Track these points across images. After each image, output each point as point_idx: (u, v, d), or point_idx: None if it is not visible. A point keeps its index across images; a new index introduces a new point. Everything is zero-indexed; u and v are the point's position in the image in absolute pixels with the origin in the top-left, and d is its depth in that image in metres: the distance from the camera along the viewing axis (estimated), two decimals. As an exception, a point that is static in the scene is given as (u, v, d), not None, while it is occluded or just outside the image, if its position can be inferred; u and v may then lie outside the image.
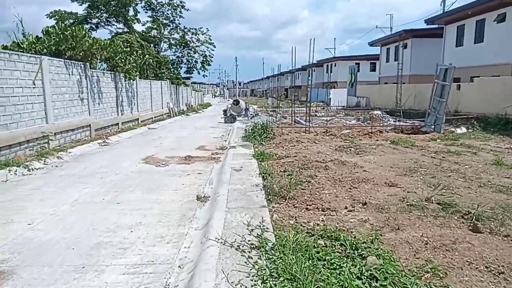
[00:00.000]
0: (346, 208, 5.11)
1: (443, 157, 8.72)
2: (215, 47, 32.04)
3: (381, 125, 16.92)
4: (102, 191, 6.84)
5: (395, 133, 13.56)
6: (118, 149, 12.19)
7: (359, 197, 5.60)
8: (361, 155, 9.28)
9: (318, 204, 5.36)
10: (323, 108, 32.52)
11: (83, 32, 13.10)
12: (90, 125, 14.18)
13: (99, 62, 17.41)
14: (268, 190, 5.95)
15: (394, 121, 18.06)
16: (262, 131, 13.48)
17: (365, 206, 5.13)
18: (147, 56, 18.01)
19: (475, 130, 13.80)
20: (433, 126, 13.43)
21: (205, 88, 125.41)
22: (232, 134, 15.67)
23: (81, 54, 13.77)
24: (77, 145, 12.30)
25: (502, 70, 16.54)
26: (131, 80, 18.38)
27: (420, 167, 7.65)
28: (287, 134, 13.47)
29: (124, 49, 16.67)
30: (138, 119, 19.96)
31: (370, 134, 13.06)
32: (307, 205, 5.35)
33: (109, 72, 16.44)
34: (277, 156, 9.37)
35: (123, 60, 16.83)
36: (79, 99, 13.45)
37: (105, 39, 16.55)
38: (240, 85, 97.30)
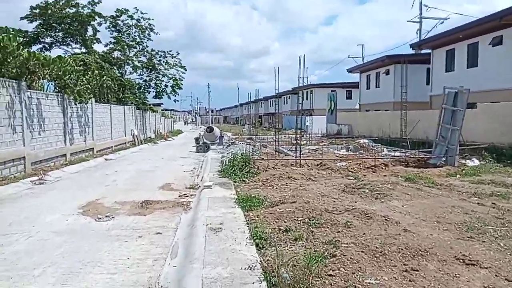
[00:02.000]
0: (439, 335, 2.62)
1: (493, 203, 6.51)
2: (186, 70, 29.72)
3: (378, 155, 14.87)
4: (-12, 276, 4.03)
5: (402, 166, 11.42)
6: (55, 190, 9.24)
7: (440, 297, 3.14)
8: (381, 199, 6.92)
9: (375, 319, 2.84)
10: (302, 136, 30.66)
11: (14, 44, 10.36)
12: (24, 157, 11.17)
13: (47, 82, 14.62)
14: (274, 281, 3.40)
15: (389, 151, 16.08)
16: (243, 164, 10.96)
17: (474, 330, 2.67)
18: (105, 77, 15.31)
19: (488, 162, 11.94)
20: (444, 158, 11.43)
21: (177, 115, 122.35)
22: (206, 166, 13.06)
23: (14, 71, 10.98)
24: (1, 184, 9.29)
25: (504, 95, 15.09)
26: (85, 104, 15.52)
27: (479, 222, 5.35)
28: (274, 168, 11.01)
29: (76, 67, 13.95)
30: (93, 148, 16.95)
31: (373, 168, 10.85)
32: (355, 321, 2.82)
33: (55, 94, 13.59)
34: (269, 201, 6.86)
35: (74, 80, 14.06)
36: (9, 126, 10.50)
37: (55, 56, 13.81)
38: (212, 112, 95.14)
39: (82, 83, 14.34)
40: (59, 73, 13.12)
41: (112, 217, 6.40)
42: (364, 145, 17.87)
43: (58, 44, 22.63)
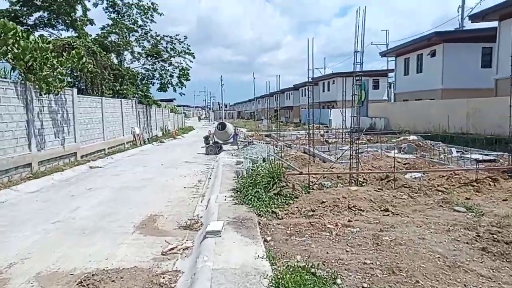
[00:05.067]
0: None
1: None
2: (194, 57, 25.91)
3: (444, 158, 10.91)
4: None
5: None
6: (-33, 232, 5.66)
7: None
8: None
9: None
10: (326, 132, 26.67)
11: None
12: (-49, 173, 7.66)
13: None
14: None
15: (459, 153, 12.05)
16: (269, 179, 7.18)
17: None
18: (84, 58, 11.71)
19: None
20: None
21: (191, 110, 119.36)
22: (215, 180, 9.35)
23: None
24: None
25: None
26: (60, 95, 11.97)
27: None
28: (317, 185, 7.20)
29: (42, 45, 10.39)
30: (75, 153, 13.44)
31: (475, 183, 6.91)
32: None
33: (11, 81, 10.07)
34: (344, 288, 3.08)
35: (40, 63, 10.51)
36: None
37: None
38: (226, 107, 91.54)
39: (53, 67, 10.76)
40: (15, 50, 9.54)
41: None
42: (420, 143, 13.86)
43: (42, 26, 19.20)
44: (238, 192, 7.23)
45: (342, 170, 8.51)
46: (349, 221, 5.20)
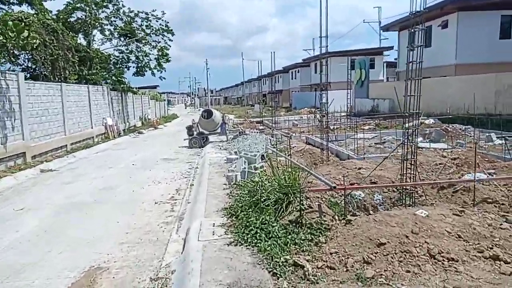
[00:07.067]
0: None
1: None
2: (173, 35, 22.92)
3: (484, 146, 8.60)
4: None
5: None
6: None
7: None
8: None
9: None
10: (323, 116, 24.25)
11: None
12: None
13: None
14: None
15: (500, 139, 9.74)
16: (282, 195, 4.68)
17: None
18: (27, 33, 8.78)
19: None
20: None
21: (175, 97, 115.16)
22: (199, 188, 6.85)
23: None
24: None
25: None
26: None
27: None
28: (360, 209, 4.74)
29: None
30: (24, 153, 10.67)
31: None
32: None
33: None
34: None
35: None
36: None
37: None
38: (212, 92, 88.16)
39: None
40: None
41: None
42: (447, 128, 11.54)
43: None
44: (233, 217, 4.75)
45: (378, 172, 6.03)
46: (447, 291, 2.76)
